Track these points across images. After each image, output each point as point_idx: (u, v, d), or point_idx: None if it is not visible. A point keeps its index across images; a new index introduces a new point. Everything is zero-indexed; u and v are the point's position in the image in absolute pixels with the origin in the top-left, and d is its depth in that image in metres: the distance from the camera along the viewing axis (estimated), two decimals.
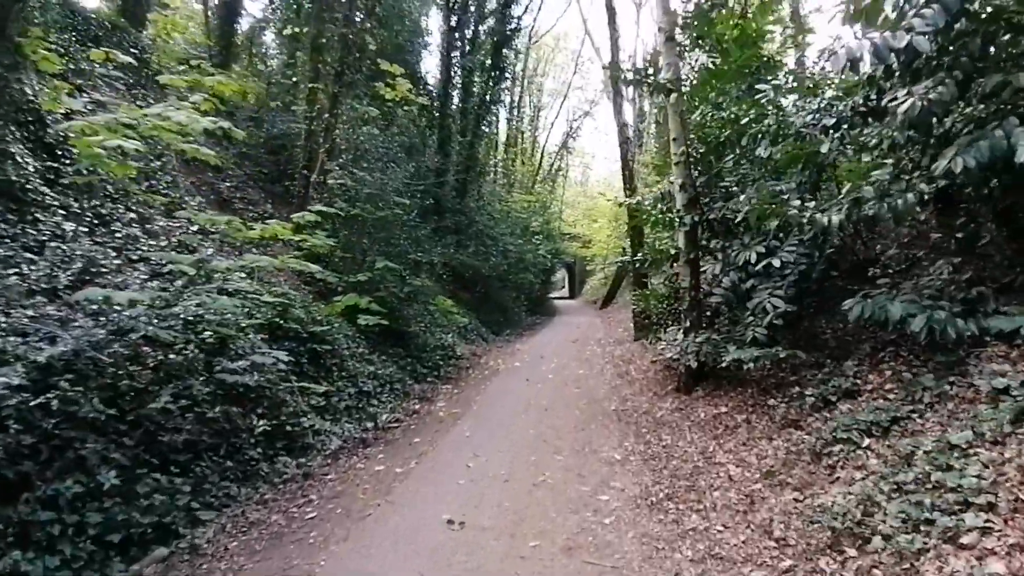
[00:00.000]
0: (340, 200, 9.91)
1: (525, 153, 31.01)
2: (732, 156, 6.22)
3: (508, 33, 17.55)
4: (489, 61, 17.48)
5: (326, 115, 10.17)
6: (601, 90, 33.87)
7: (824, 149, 4.70)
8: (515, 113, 27.77)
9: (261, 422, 5.23)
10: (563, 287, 47.89)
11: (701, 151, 6.56)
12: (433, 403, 8.21)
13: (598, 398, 7.64)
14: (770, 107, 5.58)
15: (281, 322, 6.91)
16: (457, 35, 17.57)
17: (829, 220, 4.27)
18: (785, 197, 4.79)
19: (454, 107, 18.12)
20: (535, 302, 23.21)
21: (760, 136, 5.39)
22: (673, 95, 6.29)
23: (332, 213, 9.88)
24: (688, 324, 6.77)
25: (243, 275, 7.33)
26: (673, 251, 7.01)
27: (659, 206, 7.11)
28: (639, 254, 10.52)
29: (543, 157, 31.63)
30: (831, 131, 4.74)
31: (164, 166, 8.70)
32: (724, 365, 5.65)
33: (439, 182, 16.47)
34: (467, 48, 18.29)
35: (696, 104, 6.39)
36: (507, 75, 18.22)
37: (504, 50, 17.63)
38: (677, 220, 6.72)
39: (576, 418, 6.67)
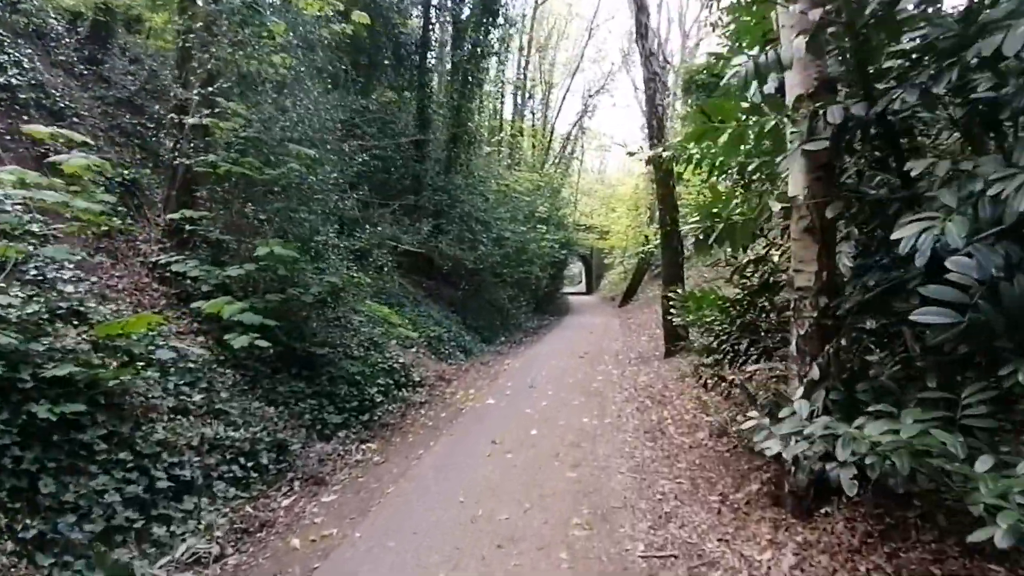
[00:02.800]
0: (222, 151, 6.24)
1: (536, 135, 26.99)
2: None
3: None
4: (481, 5, 13.56)
5: (199, 25, 6.46)
6: (620, 65, 29.66)
7: None
8: (523, 81, 23.76)
9: None
10: (580, 282, 43.78)
11: None
12: (320, 492, 4.46)
13: (610, 503, 3.75)
14: None
15: None
16: None
17: None
18: None
19: (447, 63, 14.32)
20: (542, 300, 19.31)
21: None
22: None
23: (206, 167, 6.24)
24: (818, 374, 2.82)
25: None
26: (777, 208, 3.00)
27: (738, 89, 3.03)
28: (675, 230, 6.55)
29: (552, 137, 27.50)
30: None
31: None
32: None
33: (416, 143, 12.74)
34: None
35: None
36: (503, 22, 14.26)
37: None
38: (789, 129, 2.79)
39: None
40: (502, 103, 22.48)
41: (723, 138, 3.04)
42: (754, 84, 3.21)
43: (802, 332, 3.02)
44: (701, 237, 3.19)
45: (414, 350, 9.13)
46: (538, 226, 16.19)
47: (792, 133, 2.79)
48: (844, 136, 2.65)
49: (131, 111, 8.38)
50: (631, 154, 6.72)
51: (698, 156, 4.38)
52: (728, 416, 4.98)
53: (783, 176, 3.71)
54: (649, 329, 12.49)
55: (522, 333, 14.05)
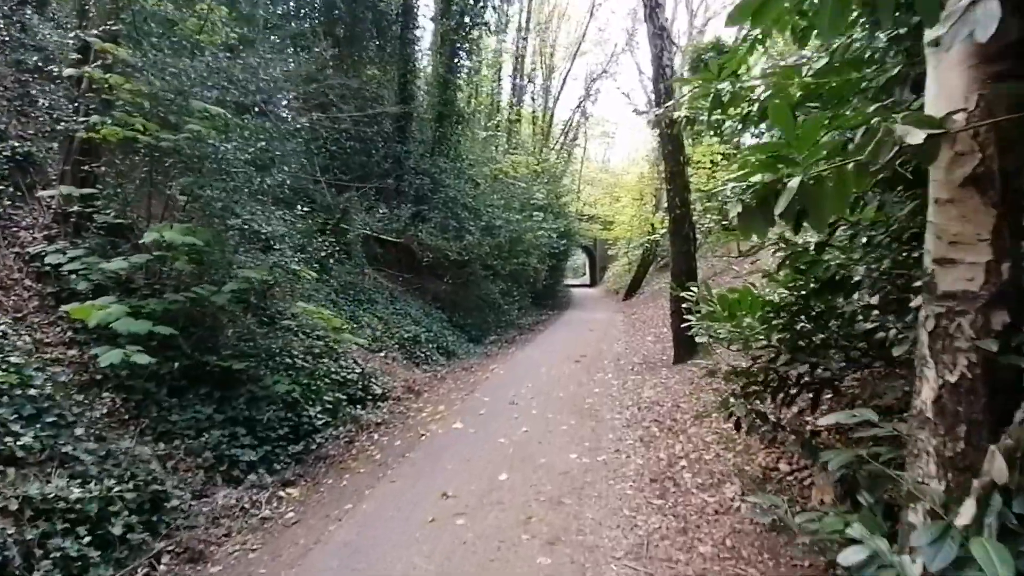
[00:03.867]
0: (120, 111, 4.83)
1: (536, 121, 25.36)
2: None
3: None
4: None
5: None
6: (624, 46, 27.91)
7: None
8: (521, 63, 22.11)
9: None
10: (584, 274, 42.22)
11: None
12: None
13: None
14: None
15: None
16: None
17: None
18: None
19: (438, 38, 12.78)
20: (541, 293, 17.84)
21: None
22: None
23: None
24: (1004, 469, 1.35)
25: None
26: (918, 139, 1.54)
27: None
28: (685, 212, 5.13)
29: (552, 122, 25.84)
30: None
31: None
32: None
33: (398, 121, 11.32)
34: None
35: None
36: None
37: None
38: None
39: None
40: (499, 84, 20.91)
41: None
42: None
43: (953, 378, 1.56)
44: (752, 204, 1.73)
45: (382, 355, 7.74)
46: (535, 214, 14.69)
47: None
48: None
49: (47, 78, 7.00)
50: (637, 112, 5.24)
51: (728, 92, 2.93)
52: (764, 465, 3.53)
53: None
54: (655, 327, 11.02)
55: (516, 331, 12.61)
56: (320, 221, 7.21)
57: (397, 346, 8.28)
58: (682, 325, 5.37)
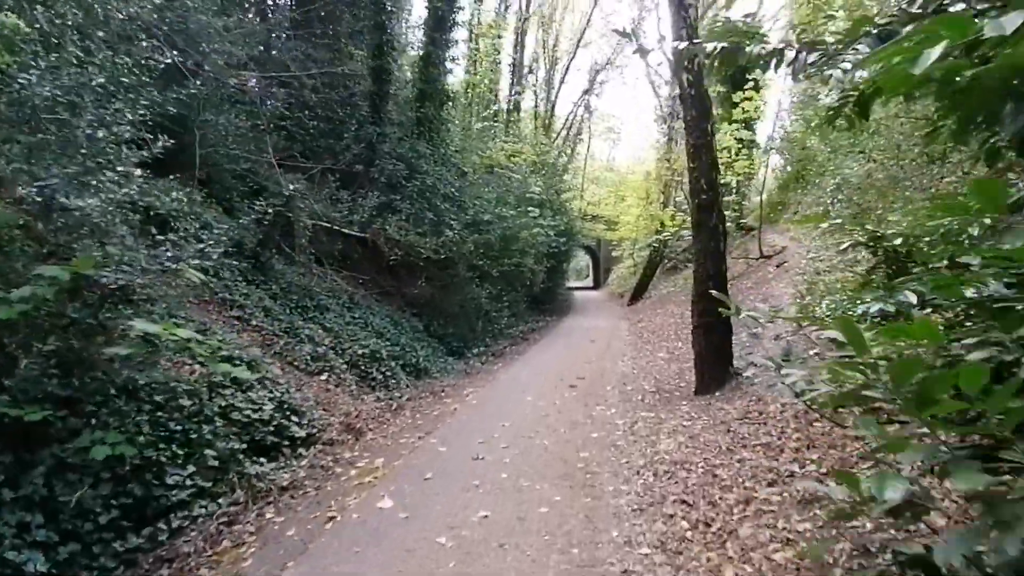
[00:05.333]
0: None
1: (538, 117, 23.59)
2: None
3: None
4: None
5: None
6: (627, 36, 26.01)
7: None
8: (520, 49, 20.32)
9: None
10: (587, 276, 40.38)
11: None
12: None
13: None
14: None
15: None
16: None
17: None
18: None
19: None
20: (539, 296, 16.02)
21: None
22: None
23: None
24: None
25: None
26: None
27: None
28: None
29: (553, 115, 24.06)
30: None
31: None
32: None
33: (372, 100, 9.61)
34: None
35: None
36: None
37: None
38: None
39: None
40: (498, 72, 19.15)
41: None
42: None
43: None
44: None
45: (324, 377, 5.98)
46: (530, 210, 12.90)
47: None
48: None
49: None
50: (642, 52, 3.35)
51: None
52: None
53: None
54: (667, 340, 9.20)
55: (507, 341, 10.80)
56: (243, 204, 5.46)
57: (347, 365, 6.51)
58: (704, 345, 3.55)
